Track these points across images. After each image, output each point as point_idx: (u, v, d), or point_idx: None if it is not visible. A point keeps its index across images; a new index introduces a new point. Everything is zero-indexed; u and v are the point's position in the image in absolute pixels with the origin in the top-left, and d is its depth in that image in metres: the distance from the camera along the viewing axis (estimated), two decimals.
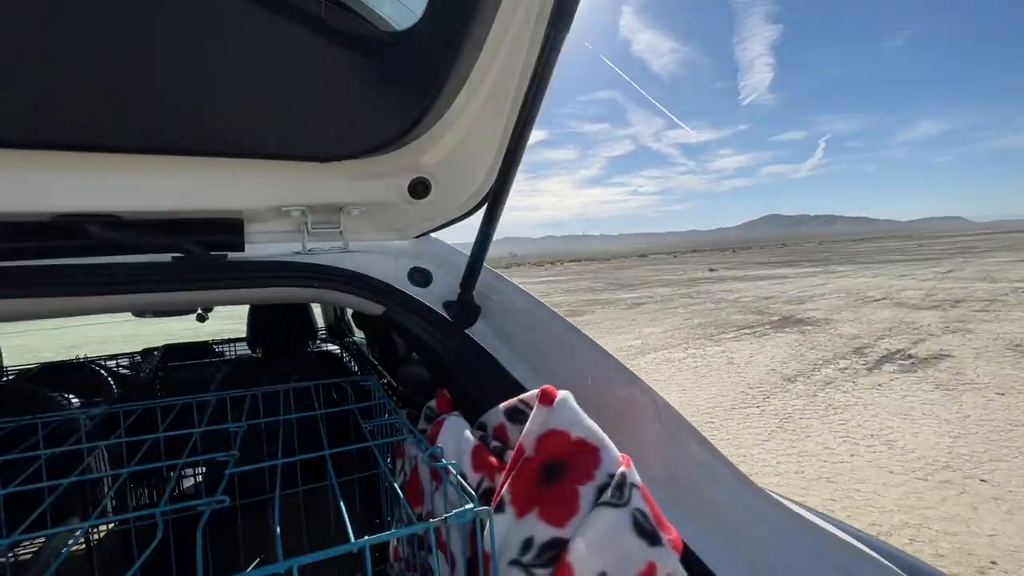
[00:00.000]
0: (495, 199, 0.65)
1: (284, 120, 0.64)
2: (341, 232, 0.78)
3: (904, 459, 2.88)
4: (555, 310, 0.80)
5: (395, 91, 0.63)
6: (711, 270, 24.76)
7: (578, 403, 0.66)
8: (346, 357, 1.89)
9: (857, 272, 17.16)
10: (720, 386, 4.60)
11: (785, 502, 0.63)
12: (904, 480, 2.64)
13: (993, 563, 1.98)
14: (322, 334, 2.29)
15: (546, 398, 0.48)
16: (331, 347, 2.17)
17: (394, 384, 1.34)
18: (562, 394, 0.48)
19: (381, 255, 0.81)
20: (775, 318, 8.32)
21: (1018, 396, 3.76)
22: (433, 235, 0.90)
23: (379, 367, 1.53)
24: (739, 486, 0.61)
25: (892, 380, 4.40)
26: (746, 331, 7.29)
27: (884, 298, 9.85)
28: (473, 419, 0.64)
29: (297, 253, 0.77)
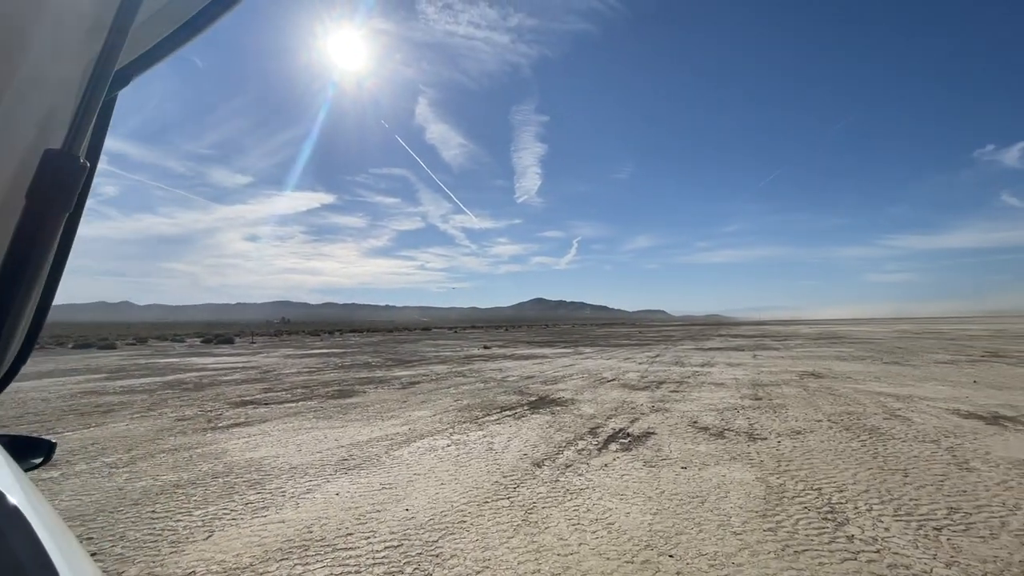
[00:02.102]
0: None
1: None
2: None
3: (619, 542, 3.24)
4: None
5: None
6: (485, 347, 26.43)
7: None
8: None
9: (597, 354, 20.47)
10: (477, 476, 4.64)
11: None
12: (617, 565, 2.94)
13: None
14: None
15: None
16: None
17: None
18: None
19: None
20: (533, 398, 9.12)
21: (694, 469, 4.75)
22: None
23: None
24: None
25: (615, 459, 5.11)
26: (507, 413, 7.75)
27: (614, 379, 11.84)
28: None
29: None
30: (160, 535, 3.43)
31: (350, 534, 3.41)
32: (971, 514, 3.60)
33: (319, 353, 23.86)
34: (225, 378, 13.33)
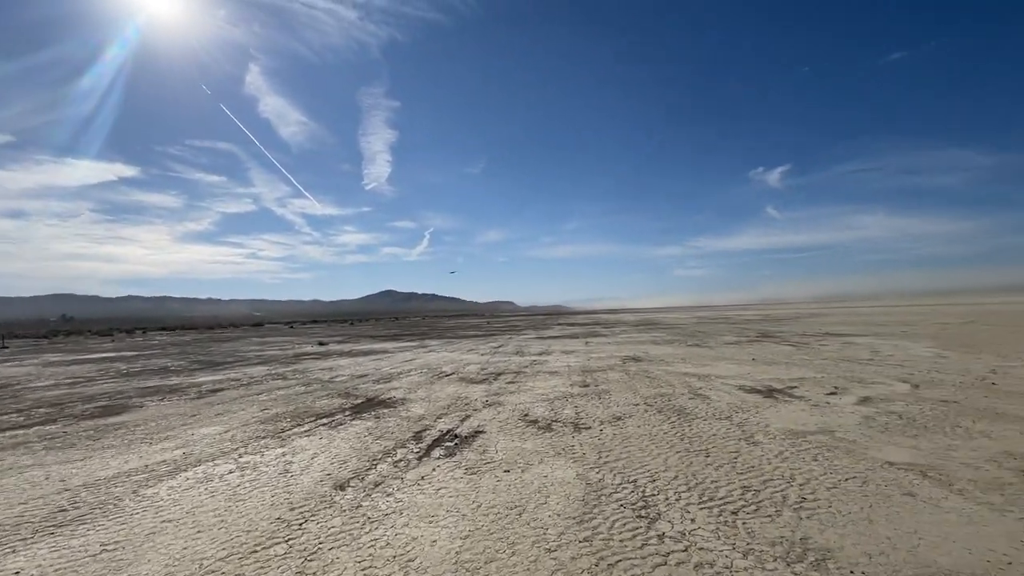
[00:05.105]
0: None
1: None
2: None
3: None
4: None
5: None
6: (321, 344, 24.11)
7: None
8: None
9: (442, 347, 19.96)
10: (254, 514, 3.64)
11: None
12: None
13: None
14: None
15: None
16: None
17: None
18: None
19: None
20: (359, 401, 8.14)
21: (517, 471, 4.40)
22: None
23: None
24: None
25: (434, 470, 4.53)
26: (324, 421, 6.69)
27: (453, 373, 11.38)
28: None
29: None
30: None
31: None
32: (759, 491, 3.80)
33: (101, 358, 19.22)
34: None
